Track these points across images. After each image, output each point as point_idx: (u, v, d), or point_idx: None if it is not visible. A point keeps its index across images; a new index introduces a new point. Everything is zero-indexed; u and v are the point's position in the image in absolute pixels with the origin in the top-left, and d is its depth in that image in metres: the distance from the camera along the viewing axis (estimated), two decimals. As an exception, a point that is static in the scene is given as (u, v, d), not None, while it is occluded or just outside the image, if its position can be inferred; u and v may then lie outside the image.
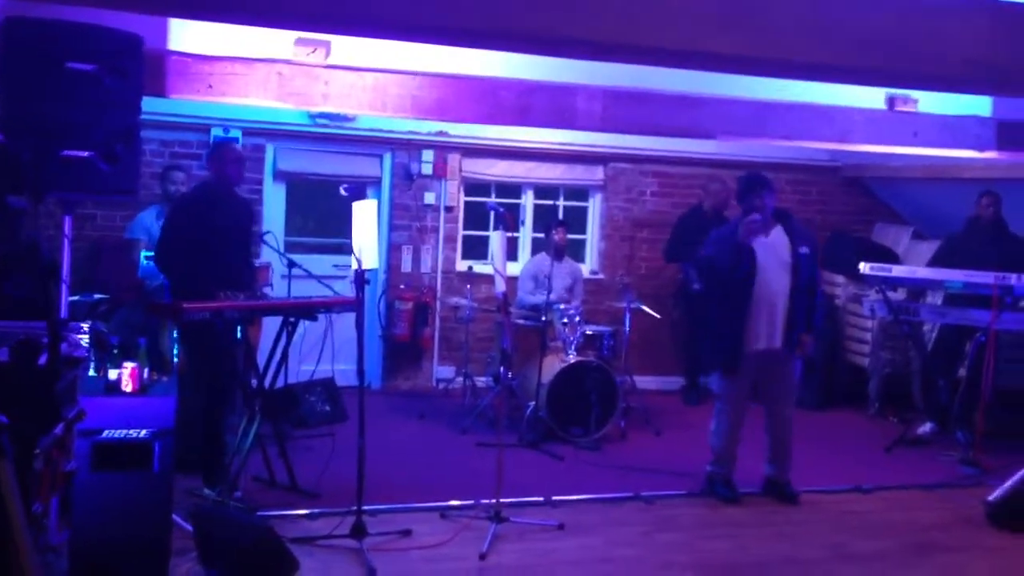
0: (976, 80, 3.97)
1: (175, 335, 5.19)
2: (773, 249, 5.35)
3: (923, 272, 6.80)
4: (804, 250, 5.36)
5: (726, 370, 5.44)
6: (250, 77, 4.85)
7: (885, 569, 4.64)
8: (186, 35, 4.92)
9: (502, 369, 5.57)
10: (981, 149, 6.12)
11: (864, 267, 6.85)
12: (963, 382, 6.75)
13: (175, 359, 5.07)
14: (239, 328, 5.02)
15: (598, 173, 8.44)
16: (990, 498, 5.34)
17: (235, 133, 7.27)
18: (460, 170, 8.05)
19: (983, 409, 6.30)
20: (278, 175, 7.64)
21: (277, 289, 6.57)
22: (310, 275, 5.89)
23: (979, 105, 6.15)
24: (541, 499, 5.29)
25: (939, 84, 4.61)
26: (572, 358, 6.52)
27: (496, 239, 5.20)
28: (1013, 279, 6.15)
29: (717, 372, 5.57)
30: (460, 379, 7.54)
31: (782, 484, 5.56)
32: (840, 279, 8.30)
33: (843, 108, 5.87)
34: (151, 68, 4.48)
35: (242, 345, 5.13)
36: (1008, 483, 5.33)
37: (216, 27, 4.78)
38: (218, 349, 4.89)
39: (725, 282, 5.35)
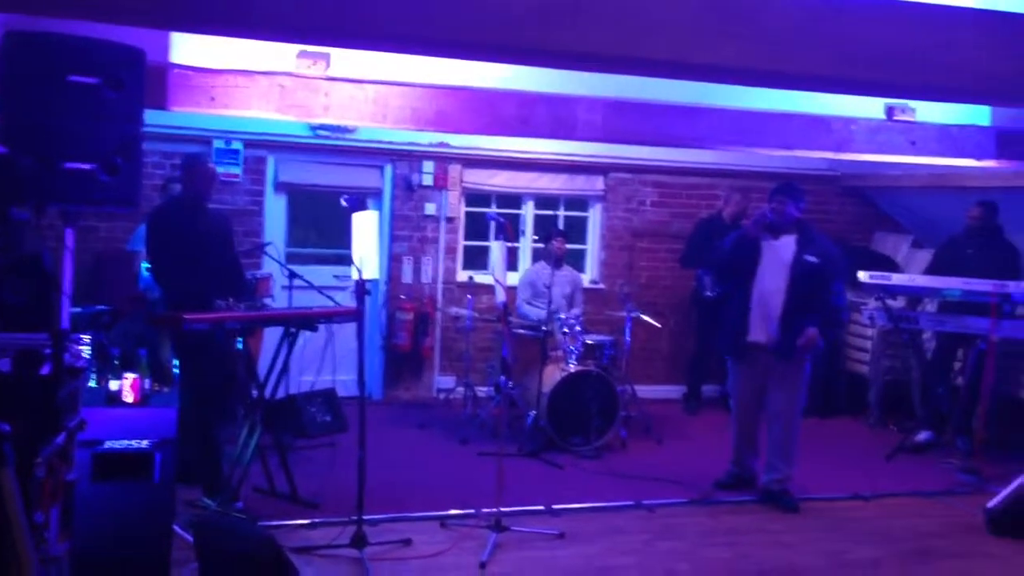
0: (974, 90, 3.99)
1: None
2: (777, 251, 5.52)
3: (922, 280, 6.83)
4: (810, 258, 5.43)
5: (730, 355, 5.72)
6: (252, 90, 4.87)
7: (884, 577, 4.66)
8: (188, 48, 4.95)
9: (502, 378, 5.59)
10: (980, 158, 6.14)
11: (863, 276, 6.88)
12: (962, 390, 6.76)
13: (176, 370, 5.09)
14: (240, 339, 5.04)
15: (598, 183, 8.47)
16: (989, 505, 5.35)
17: (236, 145, 7.32)
18: (461, 181, 8.08)
19: (983, 417, 6.31)
20: (279, 187, 7.68)
21: (278, 300, 6.59)
22: (311, 286, 5.91)
23: (978, 114, 6.16)
24: (541, 508, 5.31)
25: (936, 94, 4.63)
26: (572, 367, 6.54)
27: (496, 249, 5.23)
28: (1011, 287, 6.18)
29: (727, 364, 5.83)
30: (461, 389, 7.55)
31: (778, 493, 5.57)
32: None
33: (842, 118, 5.88)
34: (153, 81, 4.51)
35: (243, 356, 5.15)
36: (1007, 490, 5.34)
37: (218, 40, 4.82)
38: (217, 360, 4.91)
39: (727, 272, 5.74)
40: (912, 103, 5.81)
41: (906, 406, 7.63)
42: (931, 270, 7.08)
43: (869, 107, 5.87)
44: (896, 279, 6.92)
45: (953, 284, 6.49)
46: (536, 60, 3.98)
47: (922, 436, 6.98)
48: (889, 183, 8.42)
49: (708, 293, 7.57)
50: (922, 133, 5.93)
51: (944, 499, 5.88)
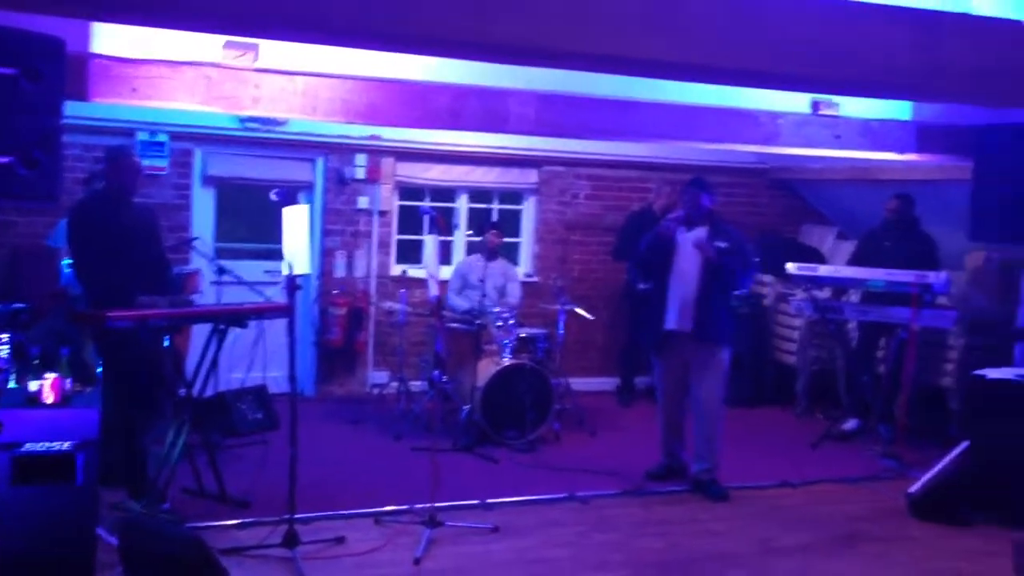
0: (896, 86, 4.10)
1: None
2: (691, 242, 5.66)
3: (847, 272, 7.01)
4: (720, 244, 5.59)
5: (652, 348, 5.88)
6: (176, 80, 4.75)
7: (812, 561, 4.76)
8: (110, 38, 4.81)
9: (436, 373, 5.58)
10: (901, 152, 6.31)
11: (791, 267, 7.03)
12: (884, 378, 6.95)
13: (99, 370, 4.96)
14: (166, 336, 4.93)
15: (532, 176, 8.49)
16: (911, 490, 5.52)
17: (162, 137, 7.14)
18: (394, 174, 8.02)
19: (904, 404, 6.50)
20: (207, 180, 7.52)
21: (207, 296, 6.46)
22: (241, 281, 5.81)
23: (899, 109, 6.33)
24: (476, 502, 5.31)
25: (860, 90, 4.75)
26: (507, 361, 6.55)
27: (429, 243, 5.21)
28: (932, 277, 6.37)
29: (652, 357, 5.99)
30: (395, 384, 7.50)
31: (707, 483, 5.66)
32: (768, 279, 8.46)
33: (769, 112, 5.99)
34: (73, 71, 4.37)
35: (170, 353, 5.04)
36: (928, 475, 5.51)
37: (141, 30, 4.69)
38: (141, 358, 4.80)
39: (646, 268, 5.99)
40: (836, 98, 5.94)
41: (832, 395, 7.81)
42: (852, 262, 7.27)
43: (795, 102, 5.99)
44: (823, 270, 7.09)
45: (877, 275, 6.67)
46: (469, 54, 3.97)
47: (849, 424, 7.15)
48: (814, 176, 8.60)
49: (640, 286, 7.63)
50: (846, 127, 6.07)
51: (868, 485, 6.04)
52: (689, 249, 5.66)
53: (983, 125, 5.98)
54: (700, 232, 5.64)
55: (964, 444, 5.52)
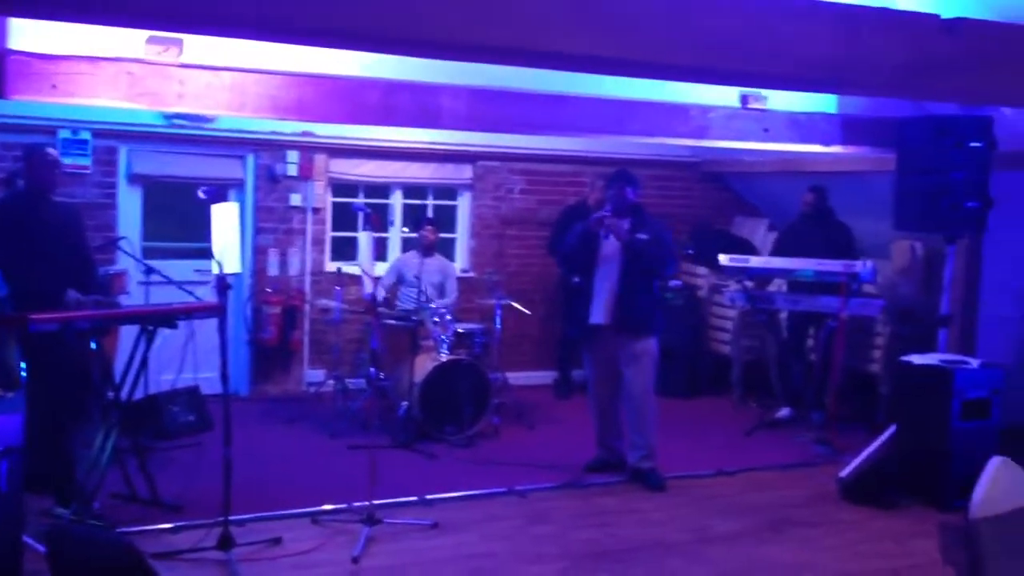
0: (817, 80, 4.17)
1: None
2: (611, 233, 5.71)
3: (778, 262, 7.14)
4: (641, 235, 5.65)
5: (581, 341, 6.01)
6: (98, 77, 4.62)
7: (746, 547, 4.84)
8: (27, 33, 4.67)
9: (372, 370, 5.54)
10: (827, 144, 6.44)
11: (723, 259, 7.14)
12: (815, 366, 7.09)
13: (23, 373, 4.82)
14: (92, 339, 4.81)
15: (467, 172, 8.47)
16: (842, 474, 5.65)
17: (84, 135, 6.96)
18: (327, 171, 7.94)
19: (834, 391, 6.65)
20: (133, 178, 7.35)
21: (135, 296, 6.33)
22: (170, 281, 5.69)
23: (826, 103, 6.47)
24: (415, 499, 5.28)
25: (782, 84, 4.84)
26: (444, 357, 6.53)
27: (363, 240, 5.16)
28: (859, 266, 6.53)
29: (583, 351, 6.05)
30: (331, 382, 7.43)
31: (646, 472, 5.72)
32: (703, 271, 8.59)
33: (699, 106, 6.06)
34: (-11, 69, 4.26)
35: (97, 356, 4.92)
36: (858, 460, 5.65)
37: (60, 25, 4.56)
38: (67, 361, 4.67)
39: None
40: (765, 92, 6.04)
41: (766, 384, 7.95)
42: (774, 253, 7.44)
43: (725, 96, 6.08)
44: (754, 261, 7.21)
45: (806, 265, 6.81)
46: (393, 48, 3.92)
47: (781, 412, 7.29)
48: (745, 169, 8.74)
49: (575, 279, 7.67)
50: (774, 121, 6.18)
51: (801, 470, 6.17)
52: (612, 243, 5.70)
53: (904, 117, 6.15)
54: (622, 223, 5.67)
55: (892, 429, 5.67)
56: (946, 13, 4.00)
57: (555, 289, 8.32)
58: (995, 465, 3.06)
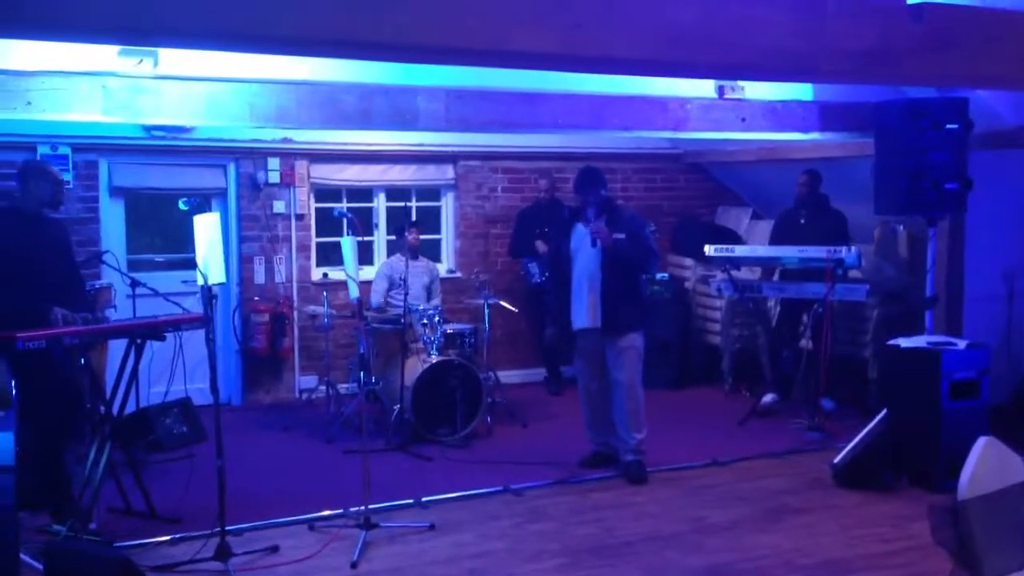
0: (785, 69, 4.18)
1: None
2: (587, 235, 5.66)
3: (762, 251, 7.18)
4: (618, 236, 5.60)
5: (571, 346, 5.95)
6: (72, 92, 4.62)
7: (742, 536, 4.87)
8: (0, 51, 4.66)
9: (362, 374, 5.54)
10: (805, 131, 6.49)
11: (709, 249, 7.15)
12: (805, 353, 7.12)
13: (13, 392, 4.80)
14: (81, 354, 4.79)
15: (448, 172, 8.48)
16: (835, 460, 5.67)
17: (64, 150, 6.93)
18: (309, 176, 7.92)
19: (823, 377, 6.67)
20: (115, 192, 7.33)
21: (121, 310, 6.30)
22: (157, 293, 5.68)
23: (802, 91, 6.50)
24: (411, 501, 5.29)
25: (752, 74, 4.87)
26: (434, 358, 6.53)
27: (347, 245, 5.16)
28: (843, 252, 6.55)
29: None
30: (323, 388, 7.43)
31: (629, 464, 5.73)
32: (689, 262, 8.61)
33: (677, 98, 6.09)
34: (-37, 87, 4.24)
35: (86, 371, 4.90)
36: (850, 445, 5.67)
37: (31, 42, 4.54)
38: (57, 378, 4.66)
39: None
40: (741, 82, 6.07)
41: (757, 372, 7.98)
42: (772, 241, 7.44)
43: (702, 87, 6.10)
44: (739, 251, 7.23)
45: (790, 252, 6.84)
46: (337, 52, 3.89)
47: (767, 398, 7.30)
48: (727, 158, 8.77)
49: (535, 280, 7.70)
50: (751, 110, 6.22)
51: (795, 458, 6.19)
52: (589, 244, 5.64)
53: (880, 102, 6.19)
54: (599, 223, 5.62)
55: (883, 412, 5.69)
56: (912, -1, 4.03)
57: (525, 293, 8.25)
58: (982, 445, 3.07)
